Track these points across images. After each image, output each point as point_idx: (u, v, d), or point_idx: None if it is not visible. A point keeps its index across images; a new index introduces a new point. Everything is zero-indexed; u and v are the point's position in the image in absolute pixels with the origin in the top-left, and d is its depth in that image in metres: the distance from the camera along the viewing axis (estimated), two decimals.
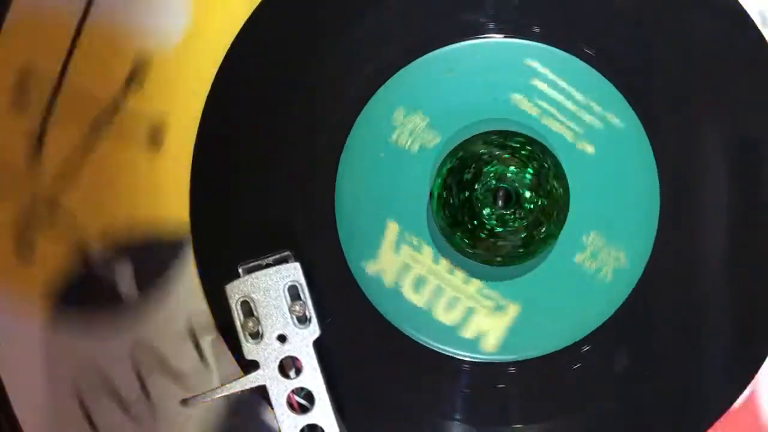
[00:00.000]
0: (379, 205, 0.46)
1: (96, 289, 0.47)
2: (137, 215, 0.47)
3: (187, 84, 0.47)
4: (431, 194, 0.46)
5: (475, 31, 0.46)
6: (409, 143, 0.46)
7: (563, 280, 0.46)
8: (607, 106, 0.46)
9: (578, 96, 0.46)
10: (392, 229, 0.46)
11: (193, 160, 0.47)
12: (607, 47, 0.46)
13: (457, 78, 0.46)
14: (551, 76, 0.46)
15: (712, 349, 0.46)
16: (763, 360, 0.46)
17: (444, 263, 0.46)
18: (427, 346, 0.46)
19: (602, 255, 0.46)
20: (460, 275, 0.46)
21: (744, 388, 0.46)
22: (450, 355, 0.46)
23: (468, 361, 0.46)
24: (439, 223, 0.45)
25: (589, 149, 0.46)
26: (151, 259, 0.47)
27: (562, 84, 0.46)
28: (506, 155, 0.44)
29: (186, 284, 0.47)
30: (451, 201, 0.44)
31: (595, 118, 0.46)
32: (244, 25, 0.47)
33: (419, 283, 0.46)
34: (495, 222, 0.44)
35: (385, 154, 0.46)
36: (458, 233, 0.45)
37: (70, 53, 0.46)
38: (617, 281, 0.46)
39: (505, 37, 0.46)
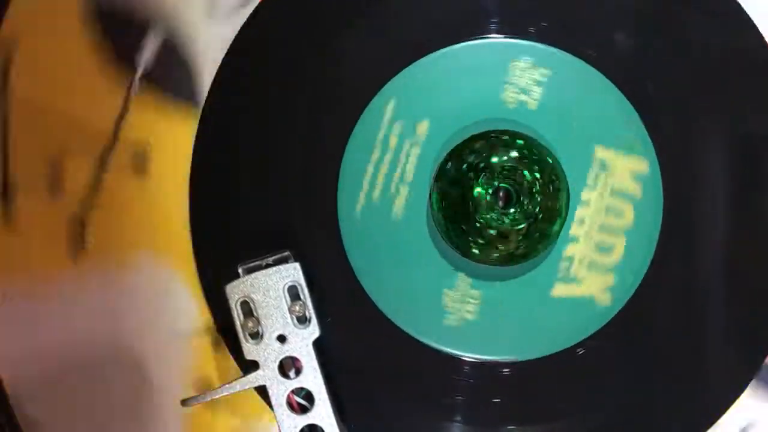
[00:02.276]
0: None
1: None
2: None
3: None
4: (431, 193, 0.46)
5: (475, 31, 0.46)
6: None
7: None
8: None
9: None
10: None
11: (193, 160, 0.47)
12: (607, 47, 0.46)
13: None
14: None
15: (711, 350, 0.46)
16: (763, 360, 0.46)
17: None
18: (428, 345, 0.46)
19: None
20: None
21: (743, 389, 0.46)
22: (450, 354, 0.46)
23: (468, 361, 0.46)
24: (437, 221, 0.45)
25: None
26: None
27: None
28: (508, 155, 0.44)
29: None
30: (451, 200, 0.44)
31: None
32: (244, 24, 0.47)
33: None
34: (494, 221, 0.44)
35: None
36: (457, 232, 0.45)
37: None
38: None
39: (506, 37, 0.46)
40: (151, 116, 0.47)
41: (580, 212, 0.46)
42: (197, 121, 0.47)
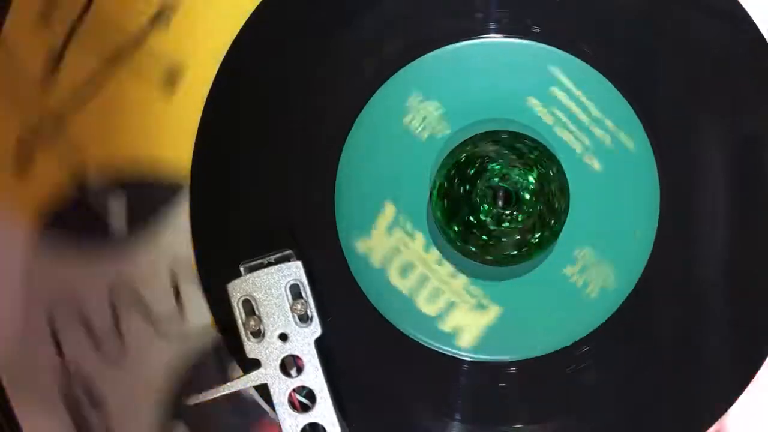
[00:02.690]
0: (380, 204, 0.46)
1: (87, 217, 0.46)
2: (140, 152, 0.46)
3: (207, 41, 0.46)
4: (431, 193, 0.46)
5: (474, 31, 0.47)
6: (418, 131, 0.46)
7: (548, 288, 0.46)
8: (619, 122, 0.46)
9: (593, 110, 0.46)
10: (389, 212, 0.46)
11: (194, 157, 0.47)
12: (608, 48, 0.46)
13: (457, 78, 0.46)
14: (569, 85, 0.46)
15: (710, 351, 0.46)
16: (763, 361, 0.46)
17: (441, 259, 0.46)
18: (428, 345, 0.46)
19: (591, 271, 0.46)
20: (460, 275, 0.46)
21: (743, 390, 0.46)
22: (451, 354, 0.46)
23: (468, 361, 0.46)
24: (436, 214, 0.45)
25: (596, 164, 0.46)
26: (147, 198, 0.46)
27: (579, 95, 0.46)
28: (512, 156, 0.44)
29: (176, 229, 0.46)
30: (452, 194, 0.44)
31: (606, 134, 0.46)
32: (244, 24, 0.47)
33: (421, 284, 0.46)
34: (492, 220, 0.44)
35: (390, 144, 0.47)
36: (454, 227, 0.45)
37: None
38: (603, 299, 0.46)
39: (532, 40, 0.46)
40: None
41: None
42: None
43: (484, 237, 0.44)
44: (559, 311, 0.46)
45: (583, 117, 0.46)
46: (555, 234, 0.45)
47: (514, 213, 0.44)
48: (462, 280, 0.46)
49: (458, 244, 0.45)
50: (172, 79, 0.46)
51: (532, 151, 0.44)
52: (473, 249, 0.45)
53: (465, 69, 0.46)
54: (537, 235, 0.44)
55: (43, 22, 0.46)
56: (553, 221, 0.45)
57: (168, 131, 0.47)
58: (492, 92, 0.46)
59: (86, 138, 0.46)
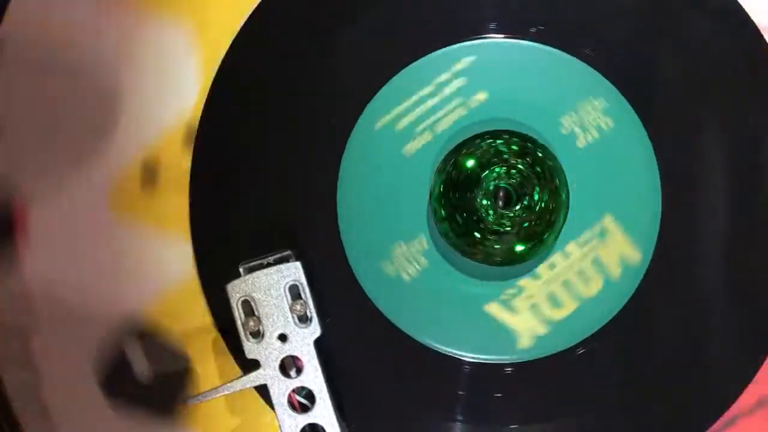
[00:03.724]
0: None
1: None
2: None
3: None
4: (431, 192, 0.46)
5: (474, 31, 0.47)
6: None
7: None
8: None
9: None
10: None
11: (193, 159, 0.47)
12: (608, 48, 0.46)
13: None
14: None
15: (712, 350, 0.46)
16: (763, 360, 0.46)
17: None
18: (428, 345, 0.46)
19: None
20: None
21: (744, 389, 0.46)
22: (450, 354, 0.46)
23: (468, 361, 0.46)
24: (437, 221, 0.45)
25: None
26: None
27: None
28: (510, 156, 0.44)
29: None
30: (451, 199, 0.44)
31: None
32: (245, 24, 0.47)
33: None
34: (494, 221, 0.44)
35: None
36: (456, 232, 0.45)
37: None
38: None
39: (506, 37, 0.46)
40: None
41: (557, 258, 0.47)
42: None
43: (489, 238, 0.44)
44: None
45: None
46: (558, 229, 0.45)
47: (516, 212, 0.44)
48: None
49: (464, 248, 0.45)
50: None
51: (528, 149, 0.44)
52: (479, 251, 0.45)
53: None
54: (540, 232, 0.44)
55: None
56: (555, 216, 0.45)
57: None
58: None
59: None
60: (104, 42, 0.46)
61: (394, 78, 0.46)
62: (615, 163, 0.46)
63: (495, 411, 0.47)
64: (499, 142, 0.44)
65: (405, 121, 0.46)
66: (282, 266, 0.43)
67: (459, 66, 0.46)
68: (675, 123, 0.46)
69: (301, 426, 0.43)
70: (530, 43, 0.46)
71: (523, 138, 0.45)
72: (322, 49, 0.47)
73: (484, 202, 0.44)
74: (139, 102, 0.46)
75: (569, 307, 0.46)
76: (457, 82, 0.46)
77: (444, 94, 0.46)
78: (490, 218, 0.44)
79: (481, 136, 0.45)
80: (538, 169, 0.44)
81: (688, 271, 0.46)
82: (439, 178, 0.45)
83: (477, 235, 0.44)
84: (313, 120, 0.47)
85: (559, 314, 0.46)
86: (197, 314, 0.47)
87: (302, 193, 0.47)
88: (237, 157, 0.47)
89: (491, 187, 0.44)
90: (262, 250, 0.44)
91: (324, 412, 0.43)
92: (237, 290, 0.43)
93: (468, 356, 0.46)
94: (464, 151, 0.45)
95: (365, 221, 0.46)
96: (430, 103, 0.46)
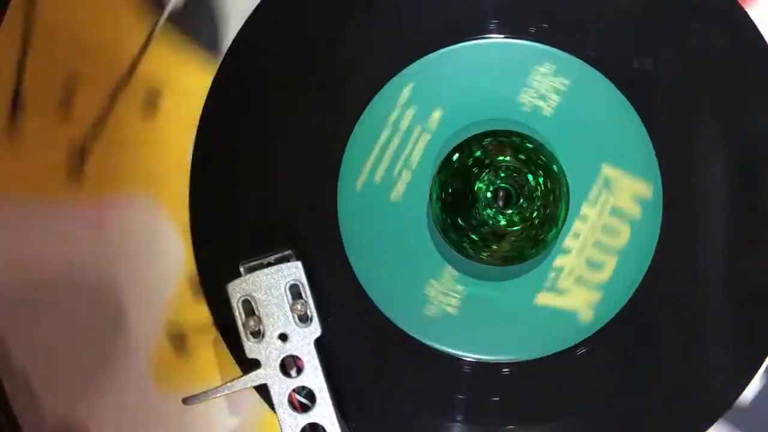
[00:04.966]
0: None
1: None
2: None
3: None
4: (431, 192, 0.46)
5: (477, 31, 0.46)
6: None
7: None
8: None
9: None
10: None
11: (194, 156, 0.46)
12: (608, 48, 0.46)
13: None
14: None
15: (712, 350, 0.46)
16: (764, 360, 0.46)
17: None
18: (428, 345, 0.46)
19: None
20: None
21: (743, 389, 0.46)
22: (450, 354, 0.46)
23: (468, 361, 0.46)
24: (437, 221, 0.45)
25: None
26: None
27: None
28: (509, 155, 0.44)
29: None
30: (451, 199, 0.44)
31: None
32: (244, 24, 0.47)
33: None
34: (494, 221, 0.44)
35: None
36: (457, 231, 0.45)
37: None
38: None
39: (506, 37, 0.46)
40: (171, 59, 0.47)
41: (577, 225, 0.46)
42: (215, 71, 0.47)
43: (490, 238, 0.44)
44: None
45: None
46: (558, 228, 0.45)
47: (514, 212, 0.44)
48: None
49: (465, 248, 0.45)
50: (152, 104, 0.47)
51: (527, 149, 0.44)
52: (480, 251, 0.45)
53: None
54: (541, 231, 0.44)
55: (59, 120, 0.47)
56: (555, 215, 0.45)
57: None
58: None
59: None
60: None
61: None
62: (587, 115, 0.46)
63: (495, 411, 0.47)
64: (475, 152, 0.44)
65: (380, 172, 0.46)
66: (282, 266, 0.43)
67: (402, 98, 0.46)
68: (675, 123, 0.46)
69: (301, 426, 0.43)
70: (531, 43, 0.46)
71: (494, 134, 0.45)
72: (322, 49, 0.47)
73: (488, 212, 0.44)
74: (137, 286, 0.47)
75: (610, 263, 0.46)
76: (409, 113, 0.46)
77: (402, 129, 0.46)
78: (502, 223, 0.44)
79: (492, 134, 0.45)
80: (522, 156, 0.44)
81: (689, 271, 0.46)
82: (438, 179, 0.45)
83: (495, 246, 0.44)
84: (314, 119, 0.46)
85: (605, 275, 0.46)
86: (197, 314, 0.47)
87: (302, 193, 0.46)
88: (238, 155, 0.47)
89: (489, 195, 0.44)
90: (262, 249, 0.44)
91: (324, 411, 0.43)
92: (237, 290, 0.43)
93: (468, 356, 0.46)
94: (463, 152, 0.45)
95: (387, 274, 0.46)
96: (394, 143, 0.46)
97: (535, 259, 0.46)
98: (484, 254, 0.45)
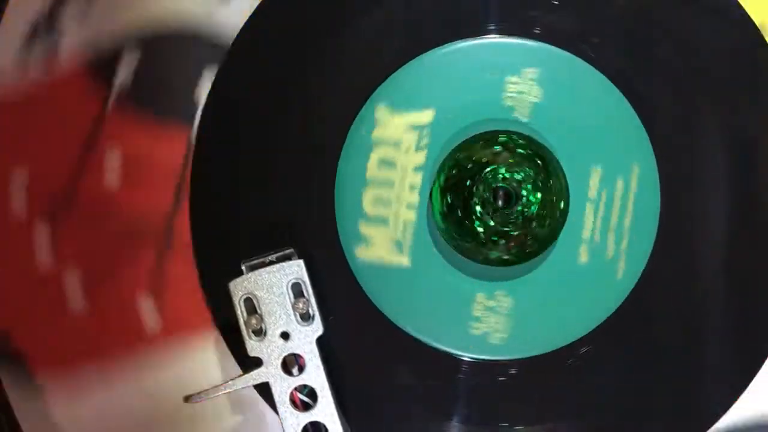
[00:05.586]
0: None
1: None
2: None
3: None
4: (431, 195, 0.46)
5: (474, 31, 0.47)
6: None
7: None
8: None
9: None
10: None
11: (194, 156, 0.46)
12: (607, 47, 0.46)
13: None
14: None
15: (712, 350, 0.46)
16: (764, 360, 0.46)
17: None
18: (429, 344, 0.46)
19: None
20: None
21: (744, 388, 0.46)
22: (451, 354, 0.46)
23: (469, 360, 0.46)
24: (438, 222, 0.45)
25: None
26: None
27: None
28: (508, 155, 0.44)
29: None
30: (451, 200, 0.44)
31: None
32: (244, 24, 0.47)
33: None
34: (494, 221, 0.44)
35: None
36: (457, 232, 0.45)
37: None
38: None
39: (502, 37, 0.47)
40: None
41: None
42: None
43: (490, 239, 0.44)
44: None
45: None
46: (559, 227, 0.45)
47: (516, 211, 0.44)
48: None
49: (465, 249, 0.45)
50: None
51: (525, 148, 0.44)
52: (480, 252, 0.45)
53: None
54: (541, 231, 0.44)
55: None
56: (555, 214, 0.45)
57: None
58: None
59: None
60: None
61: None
62: (584, 113, 0.46)
63: (495, 411, 0.47)
64: (501, 142, 0.45)
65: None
66: (284, 264, 0.43)
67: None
68: (675, 123, 0.46)
69: (303, 424, 0.43)
70: (531, 42, 0.46)
71: (485, 138, 0.45)
72: (321, 49, 0.47)
73: (484, 201, 0.44)
74: None
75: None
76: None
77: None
78: (490, 218, 0.44)
79: (482, 136, 0.45)
80: (521, 150, 0.44)
81: (688, 270, 0.46)
82: (437, 180, 0.45)
83: (476, 234, 0.44)
84: (313, 119, 0.47)
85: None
86: (198, 313, 0.47)
87: (302, 192, 0.46)
88: (238, 153, 0.47)
89: (491, 187, 0.44)
90: (263, 248, 0.44)
91: (326, 410, 0.43)
92: (239, 288, 0.43)
93: (468, 356, 0.46)
94: (462, 152, 0.45)
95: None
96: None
97: (535, 259, 0.46)
98: (487, 255, 0.45)
